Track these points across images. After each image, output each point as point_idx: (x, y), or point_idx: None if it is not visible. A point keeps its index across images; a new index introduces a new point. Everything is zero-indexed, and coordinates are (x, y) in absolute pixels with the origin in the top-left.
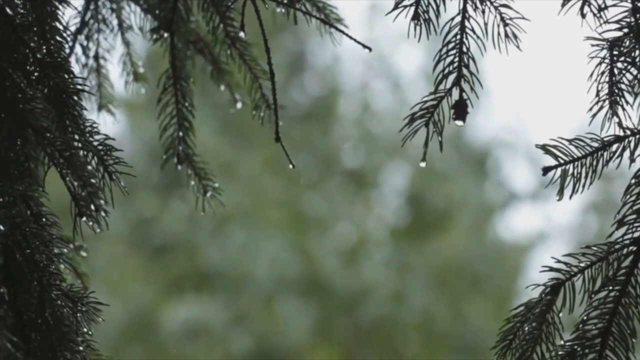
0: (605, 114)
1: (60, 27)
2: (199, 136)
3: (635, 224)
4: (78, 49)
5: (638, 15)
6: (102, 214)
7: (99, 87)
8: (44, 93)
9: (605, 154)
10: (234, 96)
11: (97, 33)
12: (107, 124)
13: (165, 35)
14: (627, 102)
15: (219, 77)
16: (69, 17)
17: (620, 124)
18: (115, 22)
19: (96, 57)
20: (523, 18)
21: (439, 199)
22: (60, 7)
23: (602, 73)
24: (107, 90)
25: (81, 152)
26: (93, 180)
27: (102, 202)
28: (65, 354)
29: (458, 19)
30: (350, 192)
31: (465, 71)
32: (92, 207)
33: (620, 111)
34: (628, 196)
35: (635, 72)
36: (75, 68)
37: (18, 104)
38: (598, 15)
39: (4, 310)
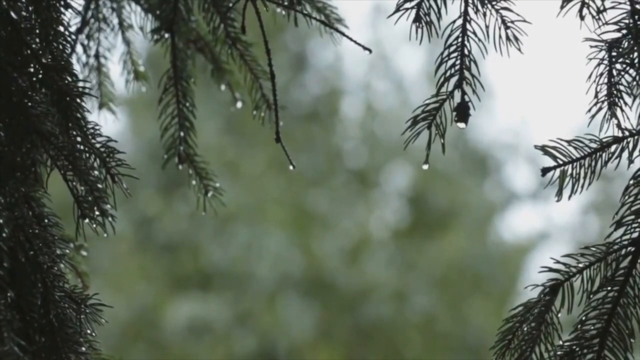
0: (604, 115)
1: (64, 30)
2: (202, 135)
3: (634, 225)
4: (79, 47)
5: (636, 17)
6: (109, 218)
7: (99, 86)
8: (48, 96)
9: (604, 154)
10: (235, 95)
11: (98, 32)
12: (108, 123)
13: (166, 35)
14: (625, 104)
15: (219, 76)
16: (69, 16)
17: (618, 125)
18: (115, 21)
19: (97, 56)
20: (524, 21)
21: (440, 200)
22: (64, 11)
23: (601, 74)
24: (108, 89)
25: (84, 155)
26: (100, 186)
27: (108, 206)
28: (69, 356)
29: (459, 21)
30: (353, 191)
31: (467, 74)
32: (99, 212)
33: (618, 112)
34: (626, 197)
35: (633, 73)
36: (76, 67)
37: (24, 108)
38: (597, 17)
39: (11, 314)
